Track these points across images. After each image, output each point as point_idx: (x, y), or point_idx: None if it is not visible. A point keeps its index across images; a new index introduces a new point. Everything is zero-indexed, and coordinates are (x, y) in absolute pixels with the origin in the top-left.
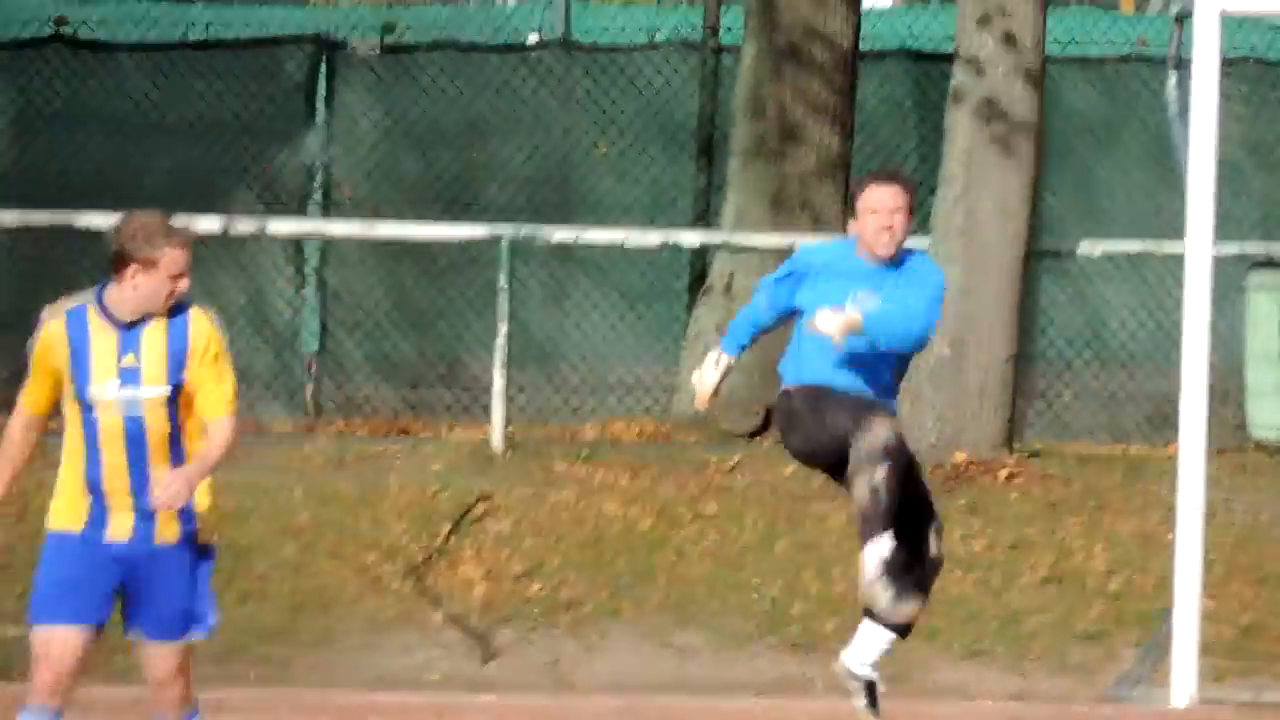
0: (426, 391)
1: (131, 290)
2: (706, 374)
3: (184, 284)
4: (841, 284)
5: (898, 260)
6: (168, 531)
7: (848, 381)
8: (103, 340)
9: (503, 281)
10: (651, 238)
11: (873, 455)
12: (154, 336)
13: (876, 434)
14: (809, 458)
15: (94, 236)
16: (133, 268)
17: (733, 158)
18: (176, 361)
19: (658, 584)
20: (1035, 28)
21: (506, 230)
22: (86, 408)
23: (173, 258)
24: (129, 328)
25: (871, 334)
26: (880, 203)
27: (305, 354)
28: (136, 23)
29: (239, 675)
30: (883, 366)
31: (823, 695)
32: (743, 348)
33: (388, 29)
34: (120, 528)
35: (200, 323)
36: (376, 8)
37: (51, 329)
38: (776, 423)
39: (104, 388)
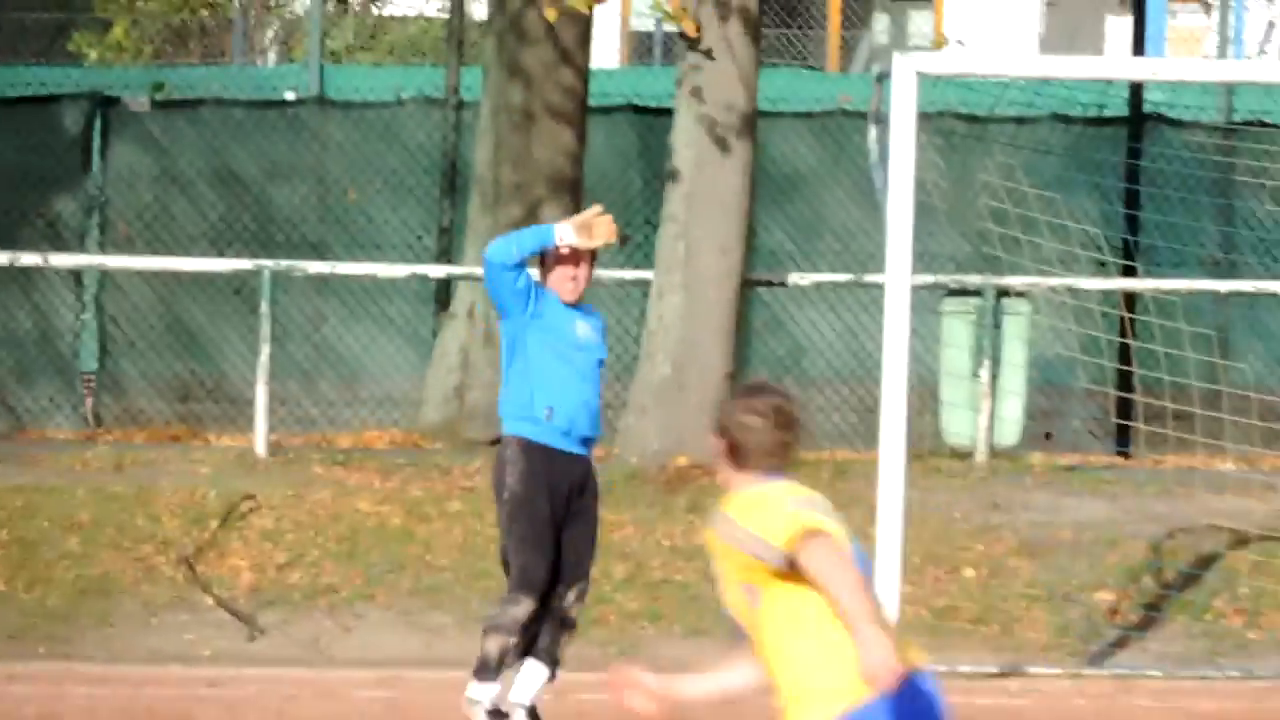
0: (196, 405)
1: None
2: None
3: None
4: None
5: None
6: None
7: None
8: None
9: (265, 308)
10: (400, 271)
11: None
12: None
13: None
14: None
15: None
16: None
17: (474, 200)
18: None
19: (408, 572)
20: (747, 85)
21: (268, 264)
22: None
23: None
24: None
25: None
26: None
27: (85, 371)
28: None
29: (29, 652)
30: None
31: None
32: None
33: (157, 87)
34: None
35: None
36: (148, 68)
37: None
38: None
39: None
